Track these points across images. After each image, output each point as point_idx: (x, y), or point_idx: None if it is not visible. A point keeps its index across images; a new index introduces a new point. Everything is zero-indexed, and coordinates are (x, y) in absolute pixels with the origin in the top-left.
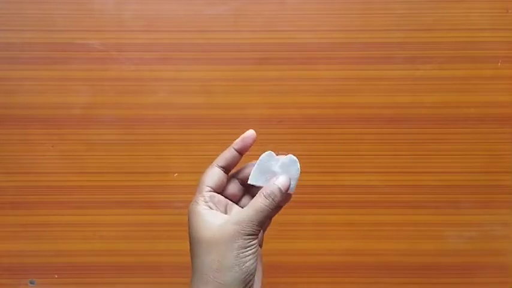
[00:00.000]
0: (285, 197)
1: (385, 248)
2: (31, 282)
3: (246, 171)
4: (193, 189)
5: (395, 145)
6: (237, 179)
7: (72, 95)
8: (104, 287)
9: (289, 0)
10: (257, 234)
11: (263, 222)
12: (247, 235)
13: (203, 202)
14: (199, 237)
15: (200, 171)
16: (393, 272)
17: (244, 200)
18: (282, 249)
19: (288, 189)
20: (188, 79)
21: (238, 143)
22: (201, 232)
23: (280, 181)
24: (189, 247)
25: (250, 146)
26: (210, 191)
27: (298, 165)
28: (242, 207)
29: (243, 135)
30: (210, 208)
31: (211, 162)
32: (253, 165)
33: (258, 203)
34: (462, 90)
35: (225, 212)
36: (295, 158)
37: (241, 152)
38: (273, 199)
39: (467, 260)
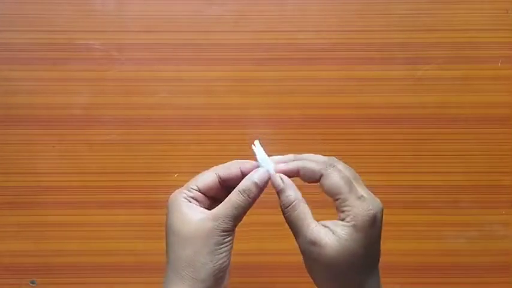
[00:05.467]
0: (261, 191)
1: (385, 248)
2: (32, 282)
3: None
4: None
5: (396, 145)
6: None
7: (73, 96)
8: (103, 287)
9: (290, 1)
10: (232, 230)
11: (239, 218)
12: (223, 231)
13: (185, 194)
14: (176, 230)
15: (200, 172)
16: (393, 272)
17: None
18: (281, 249)
19: (266, 182)
20: (189, 79)
21: (248, 168)
22: (179, 225)
23: (257, 175)
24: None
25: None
26: (197, 190)
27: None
28: None
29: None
30: (189, 202)
31: (213, 167)
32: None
33: (233, 199)
34: (462, 91)
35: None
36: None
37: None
38: (248, 195)
39: (467, 260)
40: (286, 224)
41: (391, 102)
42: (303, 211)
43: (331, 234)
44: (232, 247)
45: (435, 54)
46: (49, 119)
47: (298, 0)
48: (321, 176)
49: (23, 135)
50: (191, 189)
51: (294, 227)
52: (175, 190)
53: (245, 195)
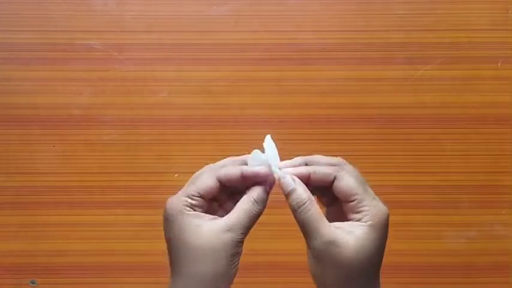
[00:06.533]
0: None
1: None
2: (32, 282)
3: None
4: None
5: (396, 145)
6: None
7: (73, 96)
8: (103, 287)
9: (290, 1)
10: (244, 239)
11: (252, 227)
12: (239, 242)
13: (188, 203)
14: (187, 242)
15: None
16: (393, 272)
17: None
18: (281, 249)
19: (271, 188)
20: (188, 79)
21: (249, 172)
22: (190, 238)
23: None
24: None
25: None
26: (199, 197)
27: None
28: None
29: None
30: (194, 210)
31: (208, 166)
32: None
33: (248, 209)
34: (462, 91)
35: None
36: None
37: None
38: (263, 204)
39: (467, 260)
40: (286, 225)
41: (391, 102)
42: (318, 210)
43: (347, 234)
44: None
45: (435, 54)
46: (49, 119)
47: (298, 0)
48: (335, 178)
49: (23, 135)
50: (193, 197)
51: (308, 227)
52: (175, 190)
53: (261, 205)
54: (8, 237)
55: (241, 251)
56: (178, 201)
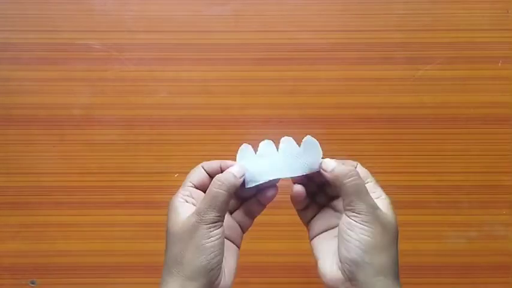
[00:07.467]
0: (239, 183)
1: None
2: (32, 283)
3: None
4: None
5: (396, 145)
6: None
7: (73, 96)
8: (103, 287)
9: (290, 1)
10: (218, 222)
11: (222, 209)
12: (207, 223)
13: (181, 195)
14: (169, 229)
15: None
16: None
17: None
18: (281, 249)
19: (242, 175)
20: (188, 79)
21: (228, 165)
22: (171, 224)
23: (234, 168)
24: None
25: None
26: (192, 187)
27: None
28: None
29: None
30: (186, 201)
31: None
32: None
33: (210, 188)
34: (462, 91)
35: None
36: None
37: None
38: (223, 182)
39: (467, 260)
40: (286, 225)
41: (391, 102)
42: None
43: (381, 205)
44: (222, 242)
45: (435, 54)
46: (49, 119)
47: (298, 0)
48: (357, 164)
49: (23, 135)
50: (187, 188)
51: (359, 193)
52: (175, 190)
53: (220, 182)
54: (8, 237)
55: (216, 235)
56: (176, 194)
